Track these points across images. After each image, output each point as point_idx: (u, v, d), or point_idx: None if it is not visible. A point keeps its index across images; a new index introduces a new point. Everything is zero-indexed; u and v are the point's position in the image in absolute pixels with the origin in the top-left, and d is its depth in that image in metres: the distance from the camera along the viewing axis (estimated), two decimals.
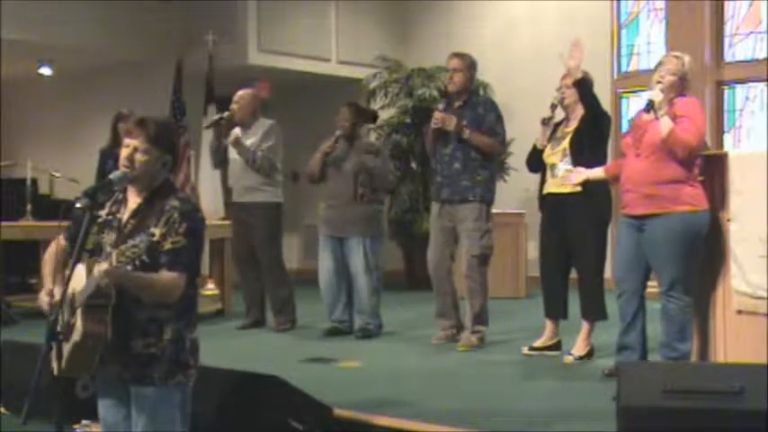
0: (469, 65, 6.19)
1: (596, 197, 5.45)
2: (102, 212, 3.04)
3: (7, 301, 7.78)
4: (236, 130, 6.77)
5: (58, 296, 2.86)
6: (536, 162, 5.75)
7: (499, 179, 9.13)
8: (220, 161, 7.11)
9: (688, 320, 4.61)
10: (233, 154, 6.85)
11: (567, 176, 5.18)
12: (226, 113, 6.90)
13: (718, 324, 4.59)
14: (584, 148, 5.47)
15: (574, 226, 5.52)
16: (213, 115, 9.38)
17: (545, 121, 5.65)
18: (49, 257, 3.11)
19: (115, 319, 2.83)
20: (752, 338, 4.41)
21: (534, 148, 5.75)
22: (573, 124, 5.57)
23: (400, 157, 9.75)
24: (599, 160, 5.48)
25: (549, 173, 5.64)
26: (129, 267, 2.80)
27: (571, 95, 5.55)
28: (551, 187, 5.61)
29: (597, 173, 5.07)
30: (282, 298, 6.93)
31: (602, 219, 5.59)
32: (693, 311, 4.65)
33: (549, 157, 5.63)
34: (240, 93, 6.95)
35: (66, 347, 2.82)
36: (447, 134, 6.08)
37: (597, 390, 4.67)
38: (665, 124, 4.49)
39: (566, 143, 5.54)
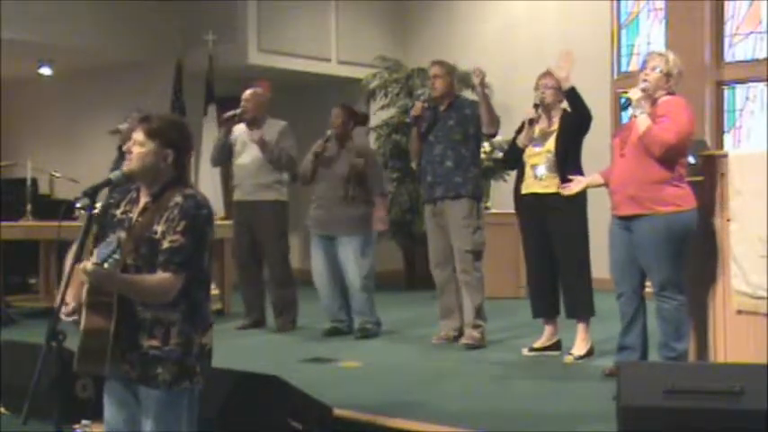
0: (449, 71, 6.26)
1: (575, 196, 5.45)
2: (118, 212, 3.04)
3: (7, 301, 7.78)
4: (259, 131, 6.73)
5: (71, 300, 2.88)
6: (514, 159, 5.75)
7: (499, 179, 9.16)
8: (225, 159, 7.07)
9: (683, 319, 4.61)
10: (248, 152, 6.81)
11: (566, 187, 5.12)
12: (239, 110, 6.87)
13: (718, 324, 4.59)
14: (568, 150, 5.48)
15: (555, 226, 5.53)
16: (213, 115, 9.44)
17: (531, 122, 5.65)
18: (69, 257, 3.01)
19: (121, 317, 2.83)
20: (752, 338, 4.41)
21: (515, 145, 5.75)
22: (555, 124, 5.57)
23: (400, 157, 9.76)
24: (578, 160, 5.52)
25: (529, 172, 5.63)
26: (105, 266, 2.78)
27: (551, 95, 5.55)
28: (533, 187, 5.60)
29: (595, 179, 5.02)
30: (286, 298, 6.91)
31: (583, 217, 5.59)
32: (692, 311, 4.65)
33: (531, 157, 5.62)
34: (251, 91, 6.92)
35: (78, 344, 2.83)
36: (433, 134, 6.15)
37: (597, 390, 4.67)
38: (643, 122, 4.50)
39: (550, 145, 5.53)
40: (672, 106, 4.57)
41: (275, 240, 6.85)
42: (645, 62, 4.74)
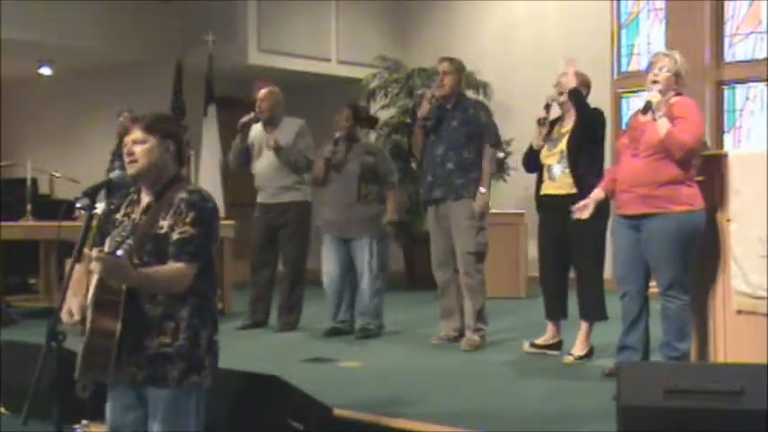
0: (458, 68, 6.22)
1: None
2: (119, 215, 3.04)
3: (7, 301, 7.78)
4: (275, 135, 6.73)
5: (76, 312, 2.88)
6: (532, 162, 5.75)
7: (499, 179, 9.16)
8: (245, 162, 7.02)
9: (687, 319, 4.61)
10: (266, 155, 6.80)
11: (578, 212, 5.05)
12: (254, 113, 6.84)
13: (718, 324, 4.59)
14: (581, 150, 5.48)
15: (572, 227, 5.51)
16: (213, 115, 9.44)
17: (541, 122, 5.66)
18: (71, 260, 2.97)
19: (128, 318, 2.82)
20: (752, 338, 4.41)
21: (530, 148, 5.75)
22: (569, 124, 5.57)
23: (400, 157, 9.74)
24: (595, 160, 5.52)
25: (545, 173, 5.64)
26: (119, 252, 2.78)
27: (567, 95, 5.55)
28: (548, 188, 5.61)
29: (598, 194, 4.94)
30: (295, 298, 6.92)
31: (600, 219, 5.57)
32: (693, 311, 4.65)
33: (546, 157, 5.62)
34: (266, 90, 6.91)
35: (81, 347, 2.82)
36: (436, 133, 6.13)
37: (597, 390, 4.67)
38: (663, 125, 4.49)
39: (563, 145, 5.54)
40: (686, 107, 4.58)
41: (297, 241, 6.85)
42: (651, 63, 4.72)
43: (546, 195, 5.63)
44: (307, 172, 6.79)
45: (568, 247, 5.58)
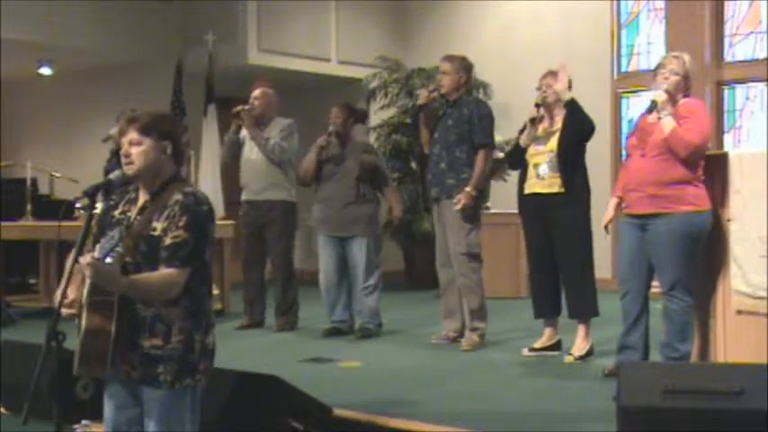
0: (458, 67, 6.19)
1: (578, 196, 5.48)
2: (116, 212, 3.04)
3: (7, 301, 7.79)
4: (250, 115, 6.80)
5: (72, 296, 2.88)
6: (517, 159, 5.75)
7: (498, 179, 9.16)
8: (235, 155, 7.04)
9: (689, 321, 4.61)
10: (252, 153, 6.84)
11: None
12: (248, 106, 6.88)
13: (719, 324, 4.58)
14: (570, 150, 5.48)
15: (558, 226, 5.53)
16: (213, 115, 9.46)
17: (533, 121, 5.65)
18: (70, 258, 2.98)
19: (121, 317, 2.82)
20: (752, 338, 4.41)
21: (517, 145, 5.75)
22: (557, 124, 5.56)
23: (400, 157, 9.75)
24: (581, 160, 5.55)
25: (532, 172, 5.63)
26: (108, 259, 2.77)
27: (553, 94, 5.54)
28: (535, 187, 5.61)
29: (614, 203, 4.91)
30: (290, 299, 6.93)
31: (586, 217, 5.59)
32: (694, 311, 4.65)
33: (534, 156, 5.62)
34: (260, 90, 6.95)
35: (77, 345, 2.83)
36: (437, 131, 6.13)
37: (597, 390, 4.67)
38: (668, 124, 4.50)
39: (552, 145, 5.53)
40: (693, 108, 4.59)
41: (282, 240, 6.86)
42: (661, 65, 4.72)
43: (533, 194, 5.63)
44: (283, 162, 6.77)
45: (556, 246, 5.58)
